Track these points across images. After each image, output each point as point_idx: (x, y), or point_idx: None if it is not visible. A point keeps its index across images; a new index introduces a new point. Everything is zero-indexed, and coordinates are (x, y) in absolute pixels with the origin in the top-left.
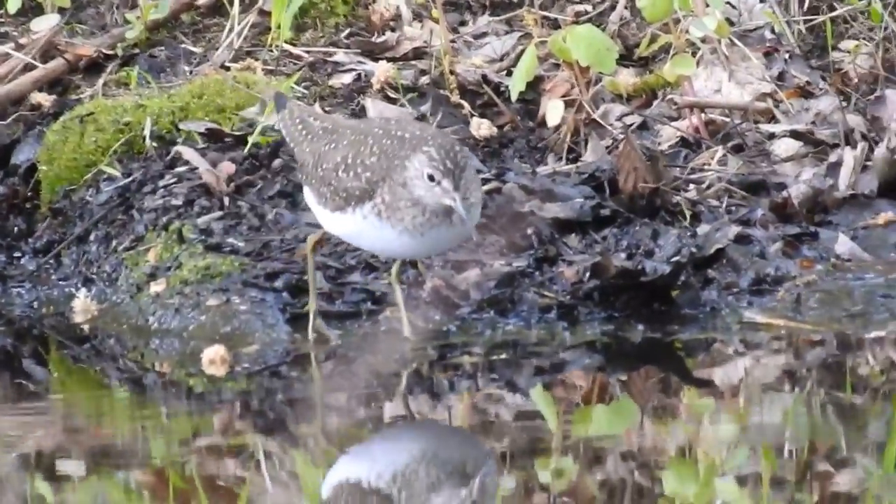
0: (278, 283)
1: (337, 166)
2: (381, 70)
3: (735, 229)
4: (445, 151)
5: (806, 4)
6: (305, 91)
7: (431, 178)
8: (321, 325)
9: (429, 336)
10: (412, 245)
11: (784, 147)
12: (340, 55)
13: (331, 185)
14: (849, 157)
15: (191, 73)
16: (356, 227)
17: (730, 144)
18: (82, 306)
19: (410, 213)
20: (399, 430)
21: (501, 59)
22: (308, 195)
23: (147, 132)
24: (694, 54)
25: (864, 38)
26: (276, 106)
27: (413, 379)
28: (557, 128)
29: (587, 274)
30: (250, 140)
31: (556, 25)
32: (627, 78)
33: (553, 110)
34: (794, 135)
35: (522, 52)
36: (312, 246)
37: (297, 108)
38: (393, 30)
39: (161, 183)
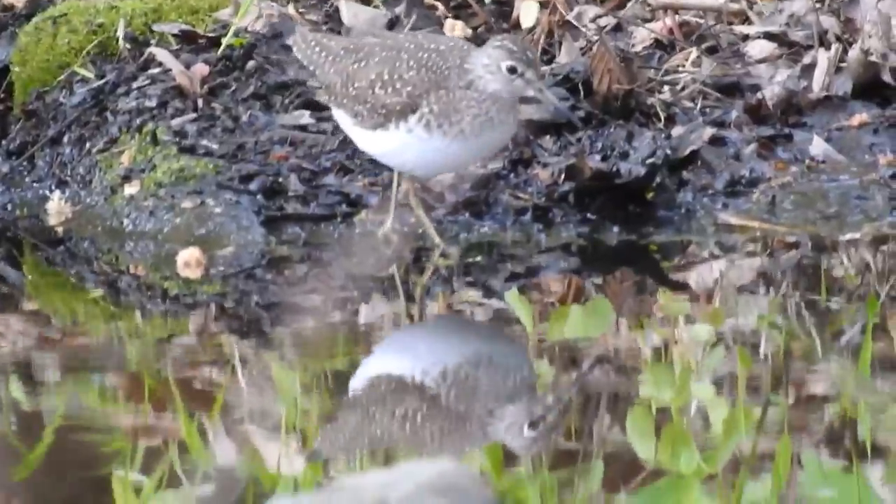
0: (253, 186)
1: (372, 83)
2: None
3: (710, 131)
4: (521, 45)
5: None
6: None
7: (513, 69)
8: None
9: (404, 238)
10: (461, 151)
11: (758, 49)
12: None
13: (367, 102)
14: (823, 58)
15: None
16: (399, 143)
17: (704, 46)
18: (56, 208)
19: (472, 112)
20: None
21: None
22: (340, 116)
23: (120, 34)
24: None
25: None
26: (284, 33)
27: (389, 282)
28: (531, 29)
29: (562, 176)
30: (224, 42)
31: None
32: None
33: (527, 12)
34: (768, 36)
35: None
36: (409, 192)
37: (307, 33)
38: None
39: (135, 85)
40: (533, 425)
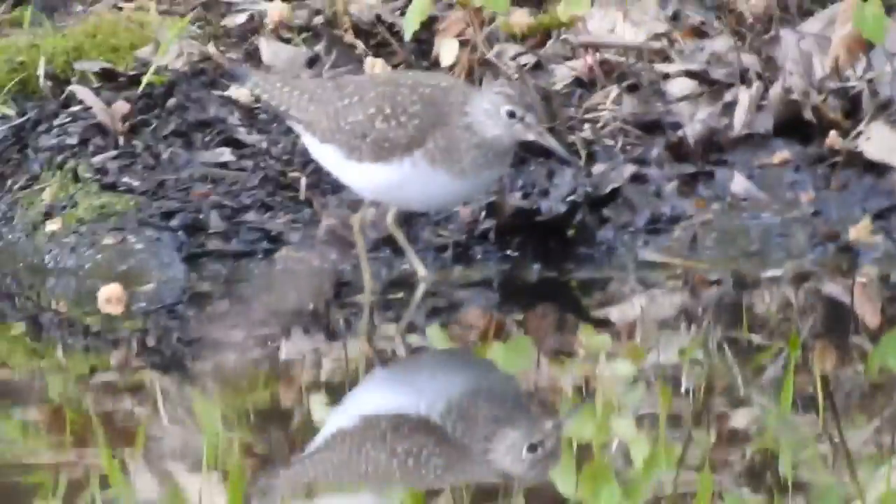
0: (174, 223)
1: (371, 117)
2: (274, 10)
3: (630, 169)
4: (520, 90)
5: None
6: (199, 31)
7: (512, 114)
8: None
9: (326, 275)
10: (461, 189)
11: (679, 87)
12: None
13: (366, 136)
14: (744, 96)
15: (84, 12)
16: (400, 177)
17: (625, 84)
18: None
19: (472, 154)
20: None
21: None
22: (327, 151)
23: (41, 72)
24: None
25: None
26: (239, 79)
27: (310, 318)
28: (451, 67)
29: (483, 213)
30: (144, 80)
31: None
32: (522, 18)
33: (447, 50)
34: (689, 74)
35: None
36: (359, 227)
37: (267, 76)
38: None
39: (56, 122)
40: (532, 448)
